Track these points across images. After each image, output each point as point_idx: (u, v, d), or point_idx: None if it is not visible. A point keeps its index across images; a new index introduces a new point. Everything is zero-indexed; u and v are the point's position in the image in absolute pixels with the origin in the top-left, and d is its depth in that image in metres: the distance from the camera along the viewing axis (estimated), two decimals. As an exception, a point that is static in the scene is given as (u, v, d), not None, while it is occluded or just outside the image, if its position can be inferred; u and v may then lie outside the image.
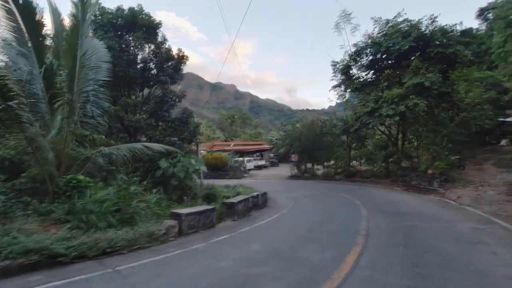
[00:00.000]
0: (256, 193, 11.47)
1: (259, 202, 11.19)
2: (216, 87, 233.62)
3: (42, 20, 7.94)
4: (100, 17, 14.95)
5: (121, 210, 6.86)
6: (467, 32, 15.03)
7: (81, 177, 7.18)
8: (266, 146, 51.48)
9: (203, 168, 14.72)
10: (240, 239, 6.39)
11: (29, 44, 7.81)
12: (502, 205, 7.97)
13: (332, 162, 23.89)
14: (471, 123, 12.94)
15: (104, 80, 9.93)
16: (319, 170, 25.43)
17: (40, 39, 8.17)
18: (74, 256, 4.71)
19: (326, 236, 6.21)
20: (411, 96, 13.05)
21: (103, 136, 10.30)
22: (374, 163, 19.53)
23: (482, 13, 25.42)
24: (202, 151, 43.98)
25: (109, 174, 9.80)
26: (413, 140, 17.21)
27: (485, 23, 25.01)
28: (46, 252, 4.48)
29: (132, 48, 15.93)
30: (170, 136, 16.58)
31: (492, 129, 18.47)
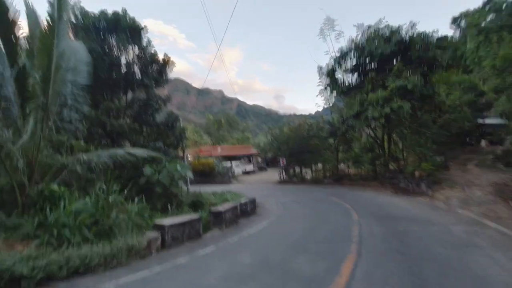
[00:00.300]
0: (244, 200, 11.10)
1: (247, 209, 10.82)
2: (203, 92, 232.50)
3: (16, 20, 7.38)
4: (82, 19, 14.31)
5: (98, 223, 6.34)
6: (442, 39, 15.53)
7: (55, 186, 6.61)
8: (254, 151, 51.20)
9: (190, 174, 14.22)
10: (227, 250, 6.01)
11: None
12: (490, 206, 8.02)
13: (320, 165, 23.90)
14: (452, 124, 13.22)
15: (84, 83, 9.40)
16: (308, 174, 25.38)
17: (13, 39, 7.58)
18: (40, 278, 4.19)
19: (318, 244, 5.94)
20: (395, 99, 13.19)
21: (82, 142, 9.68)
22: (362, 165, 19.65)
23: (455, 21, 26.59)
24: (189, 156, 43.18)
25: (88, 183, 9.21)
26: (399, 142, 17.44)
27: (459, 30, 26.19)
28: (7, 275, 3.95)
29: (115, 51, 15.29)
30: (155, 141, 16.01)
31: (471, 131, 19.06)
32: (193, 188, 23.90)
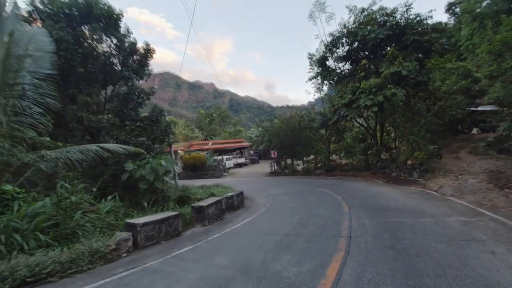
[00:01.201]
0: (230, 194, 10.57)
1: (234, 203, 10.29)
2: (195, 86, 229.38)
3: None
4: (49, 5, 13.17)
5: (59, 225, 5.68)
6: (436, 26, 15.01)
7: (8, 187, 5.88)
8: (246, 144, 50.70)
9: (176, 169, 13.54)
10: (205, 250, 5.45)
11: None
12: (485, 194, 7.64)
13: (312, 157, 23.49)
14: (445, 112, 12.84)
15: (47, 74, 8.56)
16: (299, 165, 24.97)
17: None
18: (-25, 294, 3.56)
19: (304, 241, 5.42)
20: (388, 86, 12.68)
21: (48, 138, 8.87)
22: (354, 156, 19.26)
23: (450, 7, 26.14)
24: (179, 151, 42.37)
25: (57, 182, 8.49)
26: (391, 131, 17.05)
27: (453, 17, 25.76)
28: None
29: (89, 41, 14.20)
30: (138, 136, 15.25)
31: (463, 118, 18.85)
32: (183, 183, 23.37)
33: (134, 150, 11.45)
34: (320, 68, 16.93)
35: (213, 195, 11.23)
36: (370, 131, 17.77)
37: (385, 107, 13.41)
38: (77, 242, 5.37)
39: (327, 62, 17.03)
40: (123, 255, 5.50)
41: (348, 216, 7.29)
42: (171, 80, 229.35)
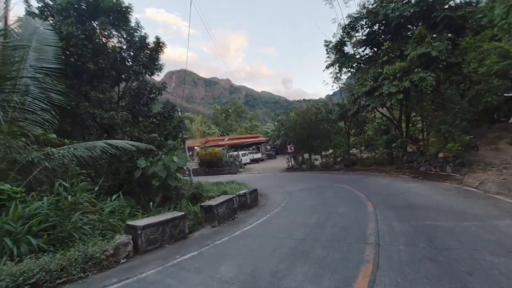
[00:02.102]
0: (243, 191, 9.95)
1: (247, 201, 9.67)
2: (211, 83, 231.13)
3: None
4: (58, 0, 13.05)
5: (56, 227, 5.31)
6: (467, 4, 13.30)
7: (6, 186, 5.59)
8: (262, 139, 50.06)
9: (189, 166, 13.15)
10: (210, 257, 4.85)
11: None
12: (540, 191, 6.46)
13: (330, 151, 22.36)
14: (482, 98, 11.34)
15: (51, 68, 8.29)
16: (317, 160, 23.94)
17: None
18: None
19: (323, 247, 4.67)
20: (416, 70, 11.38)
21: (54, 135, 8.64)
22: (376, 149, 17.97)
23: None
24: (196, 147, 42.50)
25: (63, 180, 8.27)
26: (418, 121, 15.62)
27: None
28: None
29: (99, 35, 13.99)
30: (151, 133, 15.03)
31: (500, 106, 16.91)
32: (199, 179, 23.16)
33: (145, 147, 11.12)
34: (337, 55, 15.72)
35: (225, 192, 10.69)
36: (394, 121, 16.40)
37: (412, 94, 12.12)
38: (74, 246, 4.98)
39: (345, 48, 15.80)
40: (122, 261, 5.04)
41: (373, 216, 6.42)
42: (187, 77, 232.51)
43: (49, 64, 8.19)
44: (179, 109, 20.67)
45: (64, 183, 6.23)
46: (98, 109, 13.12)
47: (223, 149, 36.18)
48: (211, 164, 33.43)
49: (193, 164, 40.10)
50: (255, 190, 10.68)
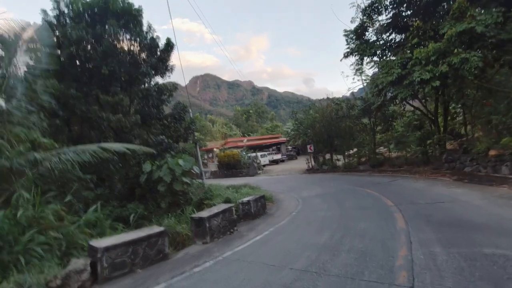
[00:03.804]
0: (247, 199, 8.66)
1: (251, 210, 8.36)
2: (233, 85, 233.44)
3: None
4: (71, 7, 12.90)
5: (2, 250, 4.40)
6: None
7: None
8: (283, 139, 48.45)
9: (196, 169, 12.25)
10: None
11: None
12: None
13: (354, 150, 20.32)
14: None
15: (44, 68, 7.73)
16: (340, 160, 21.96)
17: None
18: None
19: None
20: (455, 50, 9.35)
21: (44, 139, 7.99)
22: (407, 147, 15.73)
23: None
24: (215, 149, 42.03)
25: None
26: (459, 113, 13.26)
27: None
28: None
29: (108, 38, 13.54)
30: (161, 135, 14.36)
31: None
32: (216, 182, 22.33)
33: (146, 150, 10.33)
34: (357, 41, 13.83)
35: (227, 200, 9.47)
36: (429, 115, 14.11)
37: (450, 81, 10.04)
38: (20, 272, 4.02)
39: (366, 34, 13.84)
40: (73, 293, 3.98)
41: (405, 237, 4.80)
42: (211, 81, 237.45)
43: (43, 65, 7.60)
44: (190, 110, 19.96)
45: (24, 193, 5.33)
46: (107, 113, 12.67)
47: (241, 150, 35.23)
48: (230, 166, 32.70)
49: (212, 166, 39.75)
50: (262, 197, 9.34)
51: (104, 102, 13.16)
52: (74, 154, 7.07)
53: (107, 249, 4.41)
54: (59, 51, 11.68)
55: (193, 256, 5.25)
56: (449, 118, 13.41)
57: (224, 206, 7.23)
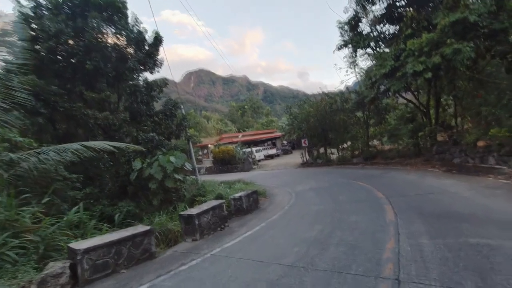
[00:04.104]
0: (239, 194, 8.62)
1: (243, 206, 8.33)
2: (228, 81, 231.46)
3: None
4: (49, -2, 12.38)
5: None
6: None
7: None
8: (278, 134, 48.44)
9: (188, 166, 12.16)
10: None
11: None
12: None
13: (348, 143, 20.38)
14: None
15: (18, 64, 7.47)
16: (334, 154, 22.04)
17: None
18: None
19: (316, 283, 3.22)
20: (448, 41, 9.30)
21: (21, 139, 7.77)
22: (399, 140, 15.82)
23: None
24: (209, 145, 41.86)
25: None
26: (450, 105, 13.32)
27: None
28: None
29: (91, 32, 13.17)
30: (152, 132, 14.17)
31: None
32: (211, 178, 22.26)
33: (133, 148, 10.17)
34: (351, 33, 13.69)
35: (219, 196, 9.43)
36: (421, 107, 14.16)
37: (442, 72, 10.03)
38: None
39: (360, 25, 13.72)
40: (54, 297, 3.90)
41: (394, 228, 4.82)
42: (205, 77, 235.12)
43: (16, 59, 7.36)
44: (182, 107, 19.72)
45: None
46: (92, 110, 12.40)
47: (236, 146, 35.14)
48: (225, 162, 32.63)
49: (207, 162, 39.60)
50: (255, 192, 9.31)
51: (90, 99, 12.88)
52: (54, 154, 6.89)
53: (88, 250, 4.29)
54: (37, 46, 11.26)
55: (181, 253, 5.20)
56: (440, 110, 13.47)
57: (214, 202, 7.18)
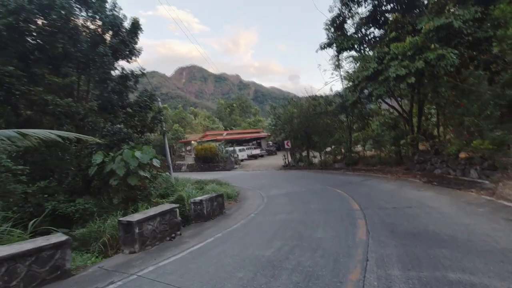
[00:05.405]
0: (199, 198, 7.71)
1: (204, 211, 7.43)
2: (220, 79, 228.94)
3: None
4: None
5: None
6: None
7: None
8: (263, 134, 47.72)
9: (156, 162, 11.07)
10: None
11: None
12: None
13: (332, 147, 19.84)
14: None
15: None
16: (316, 158, 21.48)
17: None
18: None
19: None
20: (432, 46, 8.79)
21: None
22: (382, 147, 15.36)
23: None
24: (193, 142, 40.57)
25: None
26: (433, 114, 12.94)
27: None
28: None
29: (59, 11, 11.78)
30: (123, 123, 13.01)
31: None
32: (190, 175, 21.17)
33: (85, 138, 8.96)
34: (335, 33, 13.06)
35: (180, 198, 8.47)
36: (404, 114, 13.73)
37: (424, 81, 9.54)
38: None
39: (344, 26, 13.10)
40: None
41: (362, 250, 4.06)
42: (197, 73, 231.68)
43: None
44: (159, 99, 18.53)
45: None
46: (52, 96, 11.13)
47: (219, 144, 34.12)
48: (207, 160, 31.63)
49: (189, 159, 38.31)
50: (220, 196, 8.42)
51: (53, 84, 11.64)
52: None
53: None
54: None
55: (105, 272, 4.24)
56: (423, 118, 13.06)
57: (166, 206, 6.23)
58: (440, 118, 11.83)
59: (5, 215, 5.04)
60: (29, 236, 4.88)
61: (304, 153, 22.63)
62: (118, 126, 12.27)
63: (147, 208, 8.30)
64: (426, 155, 11.14)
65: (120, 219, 5.45)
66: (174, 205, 6.33)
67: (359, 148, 18.40)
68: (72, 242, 7.70)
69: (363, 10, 12.85)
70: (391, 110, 14.83)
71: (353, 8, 12.48)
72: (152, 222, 5.49)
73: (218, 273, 3.72)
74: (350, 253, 4.04)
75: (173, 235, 5.95)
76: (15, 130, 6.73)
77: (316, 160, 21.15)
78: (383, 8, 12.69)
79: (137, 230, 5.10)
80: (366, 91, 12.35)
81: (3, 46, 10.43)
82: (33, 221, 5.33)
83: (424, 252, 3.81)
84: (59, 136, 7.39)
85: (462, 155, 8.89)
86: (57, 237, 4.19)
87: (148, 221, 5.40)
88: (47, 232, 5.10)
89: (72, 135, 8.11)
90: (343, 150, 18.49)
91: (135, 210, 8.58)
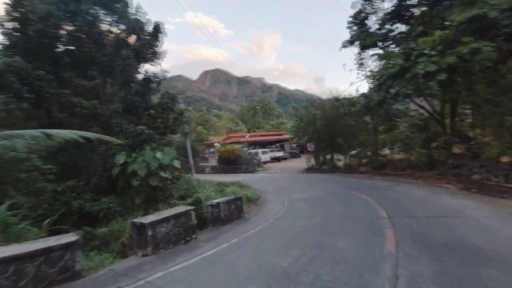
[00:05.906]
0: (216, 201, 7.59)
1: (221, 215, 7.30)
2: (244, 81, 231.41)
3: None
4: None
5: None
6: None
7: None
8: (286, 136, 47.11)
9: (176, 163, 11.19)
10: None
11: None
12: None
13: (357, 150, 18.91)
14: None
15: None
16: (341, 161, 20.64)
17: None
18: None
19: None
20: (465, 39, 7.97)
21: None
22: (411, 149, 14.30)
23: None
24: (215, 144, 41.06)
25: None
26: (468, 115, 11.78)
27: None
28: None
29: (85, 16, 12.46)
30: (146, 125, 13.41)
31: None
32: (213, 178, 21.32)
33: (105, 139, 9.22)
34: (358, 30, 12.44)
35: (197, 200, 8.39)
36: (435, 115, 12.66)
37: (459, 75, 8.67)
38: None
39: (367, 22, 12.46)
40: None
41: (391, 266, 3.65)
42: (221, 76, 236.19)
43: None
44: (181, 101, 18.85)
45: None
46: (78, 98, 11.73)
47: (242, 146, 34.07)
48: (229, 162, 31.65)
49: (213, 161, 38.76)
50: (238, 199, 8.25)
51: (80, 86, 12.27)
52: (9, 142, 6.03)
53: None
54: (28, 29, 10.68)
55: (115, 275, 4.22)
56: (457, 119, 11.94)
57: (180, 209, 6.17)
58: (476, 118, 10.74)
59: (25, 213, 5.21)
60: (46, 234, 5.00)
61: (328, 156, 21.86)
62: (141, 127, 12.63)
63: (167, 208, 8.33)
64: (462, 159, 10.15)
65: (134, 220, 5.46)
66: (189, 207, 6.26)
67: (386, 151, 17.37)
68: (94, 241, 7.92)
69: (387, 5, 12.09)
70: (421, 111, 13.79)
71: (375, 4, 11.83)
72: (166, 225, 5.43)
73: (228, 283, 3.53)
74: (376, 268, 3.65)
75: (188, 238, 5.86)
76: (39, 130, 7.05)
77: (340, 164, 20.33)
78: (408, 2, 11.89)
79: (150, 233, 5.07)
80: (392, 91, 11.59)
81: (34, 51, 11.16)
82: (48, 219, 5.46)
83: (464, 271, 3.33)
84: (82, 136, 7.65)
85: (505, 159, 7.94)
86: (68, 238, 4.25)
87: (162, 224, 5.35)
88: (66, 231, 5.20)
89: (93, 135, 8.38)
90: (369, 153, 17.56)
91: (157, 211, 8.67)
